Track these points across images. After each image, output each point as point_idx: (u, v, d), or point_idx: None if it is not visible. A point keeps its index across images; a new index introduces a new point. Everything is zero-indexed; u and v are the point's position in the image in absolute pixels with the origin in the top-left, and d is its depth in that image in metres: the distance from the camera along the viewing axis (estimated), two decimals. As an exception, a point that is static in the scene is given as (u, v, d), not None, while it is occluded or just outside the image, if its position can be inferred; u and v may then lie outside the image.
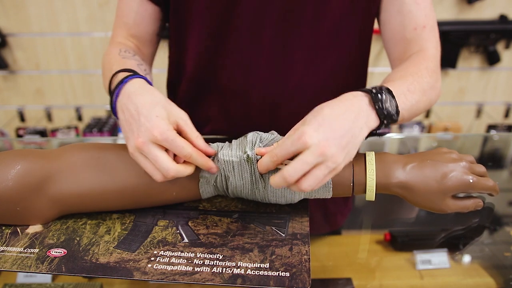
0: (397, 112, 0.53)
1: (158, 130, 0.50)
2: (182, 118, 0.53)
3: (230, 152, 0.54)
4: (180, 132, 0.53)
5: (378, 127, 0.53)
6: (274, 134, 0.57)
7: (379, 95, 0.51)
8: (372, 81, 2.07)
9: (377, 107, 0.51)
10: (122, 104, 0.55)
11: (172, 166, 0.51)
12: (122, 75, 0.59)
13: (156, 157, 0.50)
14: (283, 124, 0.77)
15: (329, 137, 0.46)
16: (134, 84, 0.56)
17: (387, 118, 0.52)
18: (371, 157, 0.55)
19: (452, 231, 0.63)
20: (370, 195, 0.54)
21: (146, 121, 0.50)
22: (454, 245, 0.61)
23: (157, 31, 0.78)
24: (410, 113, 0.57)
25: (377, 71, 2.05)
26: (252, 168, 0.53)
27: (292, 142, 0.47)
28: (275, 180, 0.48)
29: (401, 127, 2.17)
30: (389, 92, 0.53)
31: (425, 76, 0.61)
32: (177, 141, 0.50)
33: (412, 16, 0.69)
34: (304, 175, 0.47)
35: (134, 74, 0.58)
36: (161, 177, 0.52)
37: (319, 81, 0.75)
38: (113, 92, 0.57)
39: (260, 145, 0.54)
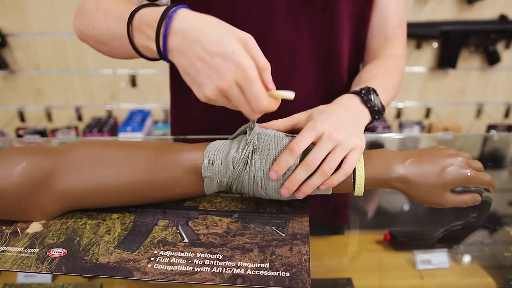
0: (383, 107, 0.63)
1: (241, 70, 0.45)
2: (250, 39, 0.47)
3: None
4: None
5: (370, 122, 0.62)
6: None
7: (368, 95, 0.61)
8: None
9: (369, 105, 0.61)
10: (180, 45, 0.47)
11: (264, 100, 0.47)
12: (153, 11, 0.49)
13: (240, 99, 0.47)
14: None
15: (337, 126, 0.54)
16: (183, 18, 0.47)
17: (378, 114, 0.62)
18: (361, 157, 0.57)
19: (451, 226, 0.64)
20: (359, 191, 0.56)
21: (224, 60, 0.45)
22: (453, 240, 0.62)
23: None
24: (387, 106, 0.67)
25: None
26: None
27: (308, 132, 0.53)
28: (298, 170, 0.53)
29: (401, 127, 2.17)
30: (374, 91, 0.62)
31: (395, 74, 0.73)
32: (255, 87, 0.46)
33: (393, 15, 0.76)
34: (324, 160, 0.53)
35: (171, 5, 0.49)
36: (251, 112, 0.49)
37: (319, 85, 0.77)
38: (158, 33, 0.48)
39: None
